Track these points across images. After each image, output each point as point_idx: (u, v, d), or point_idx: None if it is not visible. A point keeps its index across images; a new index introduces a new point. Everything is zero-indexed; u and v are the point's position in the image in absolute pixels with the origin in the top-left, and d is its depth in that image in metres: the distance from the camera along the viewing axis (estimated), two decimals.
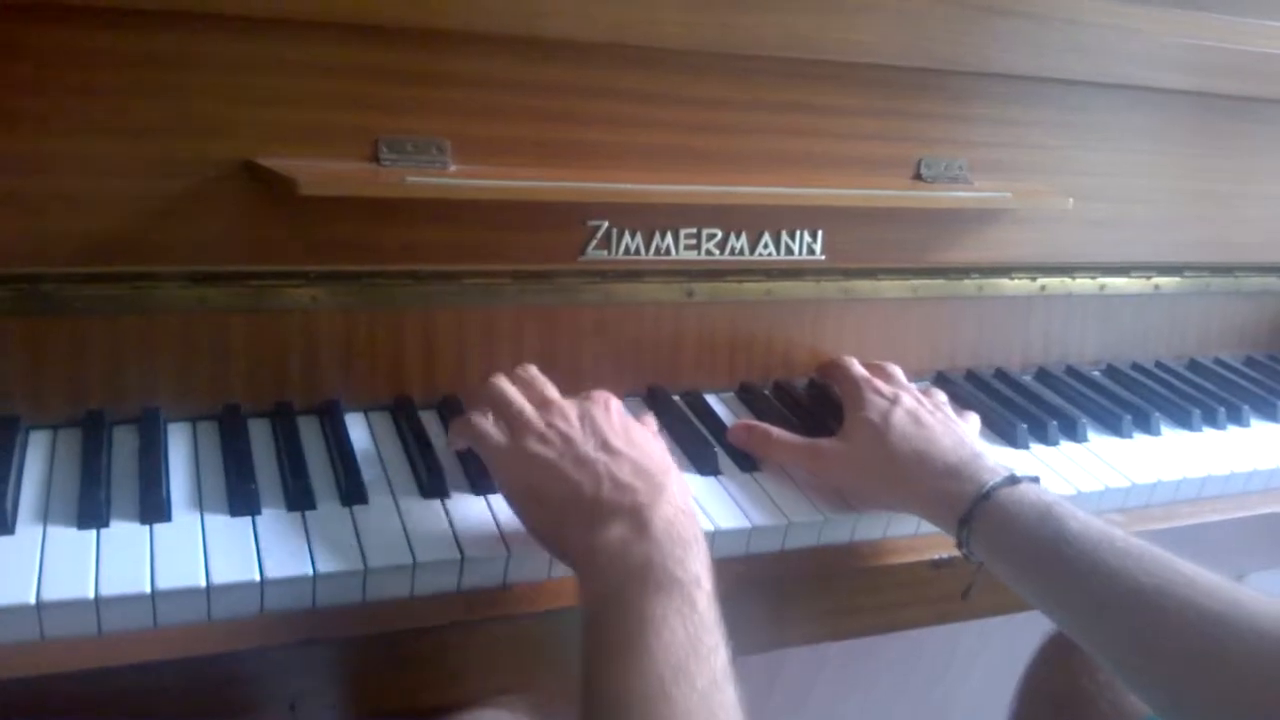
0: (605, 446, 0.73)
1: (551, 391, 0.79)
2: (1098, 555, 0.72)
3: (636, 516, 0.68)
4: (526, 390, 0.79)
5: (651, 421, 0.87)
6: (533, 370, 0.82)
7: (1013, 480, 0.80)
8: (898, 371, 0.98)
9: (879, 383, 0.94)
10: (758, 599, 0.84)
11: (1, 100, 0.74)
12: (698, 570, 0.66)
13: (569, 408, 0.76)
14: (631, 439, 0.75)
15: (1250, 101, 1.17)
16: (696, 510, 0.82)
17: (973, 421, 0.94)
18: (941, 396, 0.95)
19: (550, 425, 0.74)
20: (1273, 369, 1.30)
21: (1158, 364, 1.26)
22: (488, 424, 0.78)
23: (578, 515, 0.70)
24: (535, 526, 0.74)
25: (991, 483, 0.79)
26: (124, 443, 0.81)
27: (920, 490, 0.83)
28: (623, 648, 0.62)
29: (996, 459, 0.84)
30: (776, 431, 0.91)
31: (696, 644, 0.62)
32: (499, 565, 0.76)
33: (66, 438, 0.81)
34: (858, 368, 0.98)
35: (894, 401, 0.90)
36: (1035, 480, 0.81)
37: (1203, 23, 1.08)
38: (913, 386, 0.95)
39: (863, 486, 0.87)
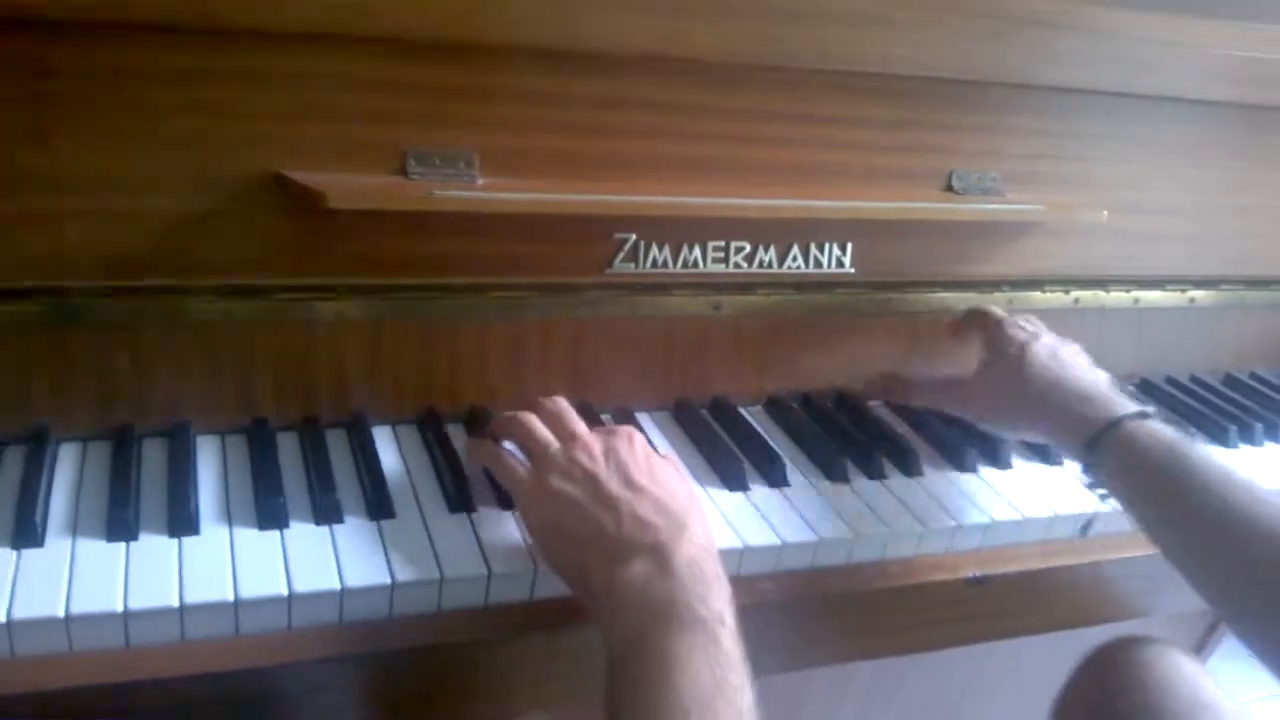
0: (629, 484, 0.73)
1: (577, 425, 0.79)
2: (1219, 484, 0.76)
3: (659, 554, 0.68)
4: (553, 423, 0.79)
5: (675, 459, 0.87)
6: (561, 403, 0.81)
7: (1144, 415, 0.84)
8: (1036, 320, 1.01)
9: (1019, 319, 0.99)
10: (787, 617, 0.83)
11: (33, 117, 0.74)
12: (720, 608, 0.66)
13: (593, 443, 0.76)
14: (655, 476, 0.74)
15: None
16: (726, 527, 0.82)
17: (1102, 375, 0.95)
18: (1077, 346, 0.97)
19: (574, 461, 0.74)
20: None
21: (1193, 378, 1.25)
22: (512, 460, 0.78)
23: (600, 553, 0.69)
24: (557, 563, 0.74)
25: (1124, 412, 0.84)
26: (153, 455, 0.82)
27: (1054, 413, 0.88)
28: (647, 686, 0.62)
29: (1125, 396, 0.88)
30: (906, 374, 1.02)
31: (722, 683, 0.62)
32: (526, 580, 0.76)
33: (96, 450, 0.82)
34: (995, 310, 1.04)
35: (1034, 336, 0.95)
36: (1162, 418, 0.84)
37: (1242, 33, 1.06)
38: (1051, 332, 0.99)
39: (998, 410, 0.94)
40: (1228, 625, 0.76)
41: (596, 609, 0.69)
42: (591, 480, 0.73)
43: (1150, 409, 0.85)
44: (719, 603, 0.66)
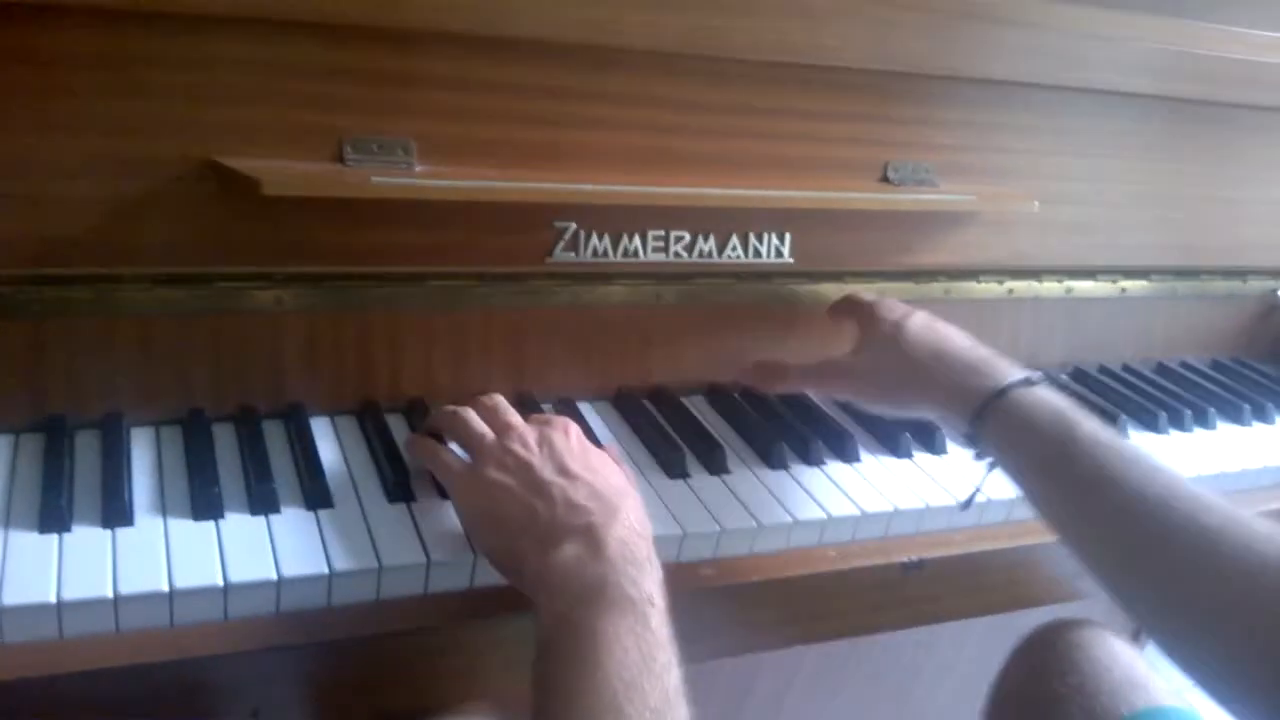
0: (562, 471, 0.73)
1: (513, 417, 0.80)
2: (1106, 460, 0.74)
3: (591, 537, 0.69)
4: (489, 417, 0.80)
5: (614, 449, 0.87)
6: (497, 398, 0.82)
7: (1029, 382, 0.82)
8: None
9: (891, 300, 0.98)
10: (728, 603, 0.83)
11: None
12: (650, 589, 0.66)
13: (528, 433, 0.77)
14: (589, 463, 0.75)
15: (1216, 106, 1.18)
16: (666, 514, 0.83)
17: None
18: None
19: (508, 451, 0.75)
20: (1238, 372, 1.31)
21: (1125, 367, 1.27)
22: (446, 452, 0.79)
23: (533, 537, 0.70)
24: (491, 550, 0.74)
25: (1008, 380, 0.82)
26: (86, 447, 0.80)
27: (937, 387, 0.86)
28: (576, 665, 0.62)
29: (1010, 363, 0.86)
30: (786, 362, 0.96)
31: (650, 661, 0.62)
32: (465, 569, 0.76)
33: (28, 442, 0.80)
34: (868, 295, 1.01)
35: (908, 313, 0.93)
36: (1049, 385, 0.83)
37: (1169, 28, 1.09)
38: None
39: (879, 389, 0.91)
40: (1112, 596, 0.75)
41: (530, 593, 0.69)
42: (525, 468, 0.74)
43: (1036, 376, 0.83)
44: (649, 584, 0.67)
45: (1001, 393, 0.81)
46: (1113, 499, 0.72)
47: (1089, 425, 0.77)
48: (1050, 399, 0.80)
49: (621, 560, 0.67)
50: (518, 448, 0.75)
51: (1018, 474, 0.80)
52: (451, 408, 0.82)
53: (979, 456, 0.84)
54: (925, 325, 0.91)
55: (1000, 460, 0.82)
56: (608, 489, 0.73)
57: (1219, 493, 1.01)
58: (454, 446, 0.81)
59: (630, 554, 0.68)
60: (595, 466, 0.75)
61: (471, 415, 0.80)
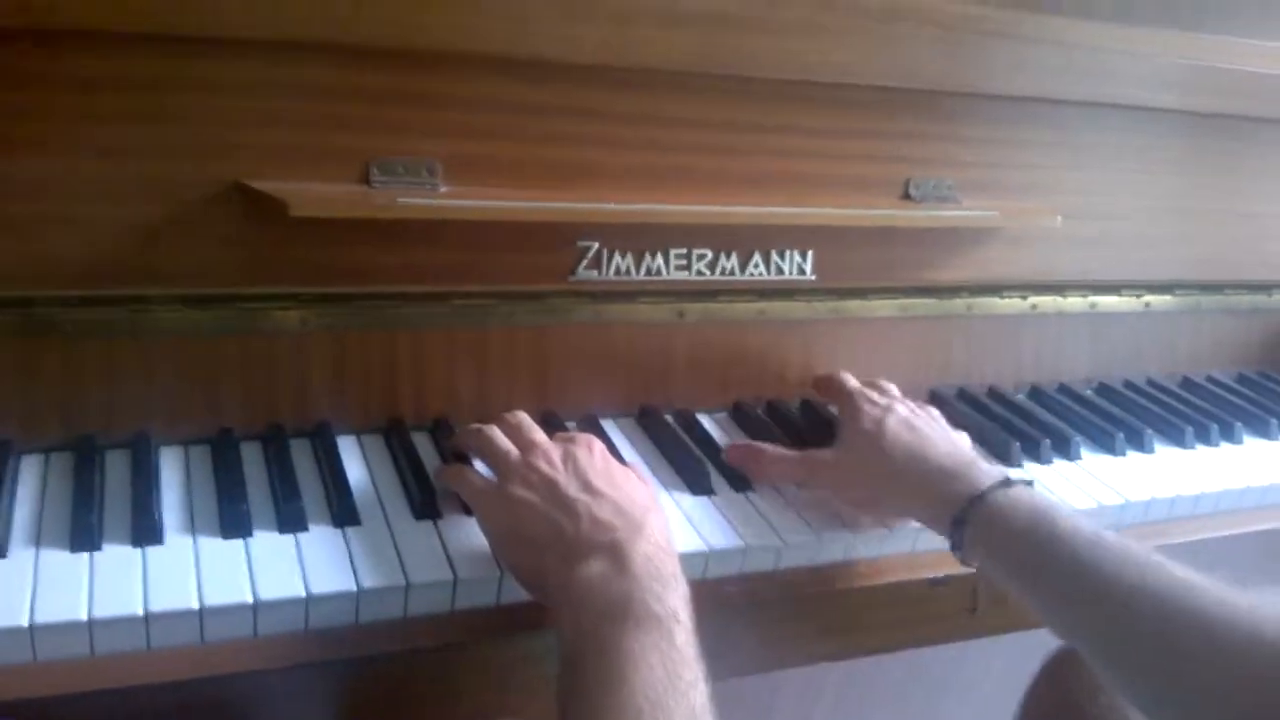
0: (587, 487, 0.74)
1: (537, 435, 0.80)
2: (1088, 552, 0.74)
3: (616, 553, 0.69)
4: (513, 434, 0.80)
5: (638, 466, 0.87)
6: (521, 415, 0.83)
7: (1007, 483, 0.81)
8: (891, 386, 0.98)
9: (873, 394, 0.95)
10: (753, 619, 0.83)
11: None
12: (675, 605, 0.66)
13: (552, 450, 0.77)
14: (613, 480, 0.76)
15: (1239, 120, 1.18)
16: (690, 530, 0.83)
17: (963, 437, 0.93)
18: (935, 411, 0.95)
19: (533, 468, 0.76)
20: (1265, 386, 1.30)
21: (1150, 381, 1.27)
22: (472, 471, 0.80)
23: (558, 554, 0.70)
24: (516, 567, 0.74)
25: (987, 484, 0.80)
26: (116, 466, 0.81)
27: (915, 492, 0.84)
28: (601, 682, 0.62)
29: (991, 465, 0.85)
30: (770, 448, 0.91)
31: (675, 679, 0.62)
32: (492, 586, 0.76)
33: (58, 461, 0.81)
34: (851, 381, 0.98)
35: (887, 410, 0.91)
36: (1029, 484, 0.82)
37: (1191, 43, 1.09)
38: (902, 397, 0.95)
39: (858, 493, 0.88)
40: (1115, 686, 0.76)
41: (555, 610, 0.69)
42: (550, 485, 0.74)
43: (1012, 475, 0.82)
44: (675, 600, 0.67)
45: (979, 498, 0.80)
46: (1101, 593, 0.72)
47: (1068, 521, 0.76)
48: (1028, 498, 0.79)
49: (647, 576, 0.67)
50: (542, 465, 0.76)
51: (1003, 577, 0.79)
52: (476, 426, 0.83)
53: (964, 562, 0.82)
54: (905, 426, 0.89)
55: (985, 565, 0.80)
56: (632, 505, 0.73)
57: (1249, 510, 1.03)
58: (480, 465, 0.81)
59: (655, 570, 0.68)
60: (619, 482, 0.76)
61: (496, 433, 0.81)
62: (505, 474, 0.77)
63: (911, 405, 0.93)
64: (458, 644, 0.74)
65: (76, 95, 0.75)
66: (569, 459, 0.77)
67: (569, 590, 0.68)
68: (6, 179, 0.75)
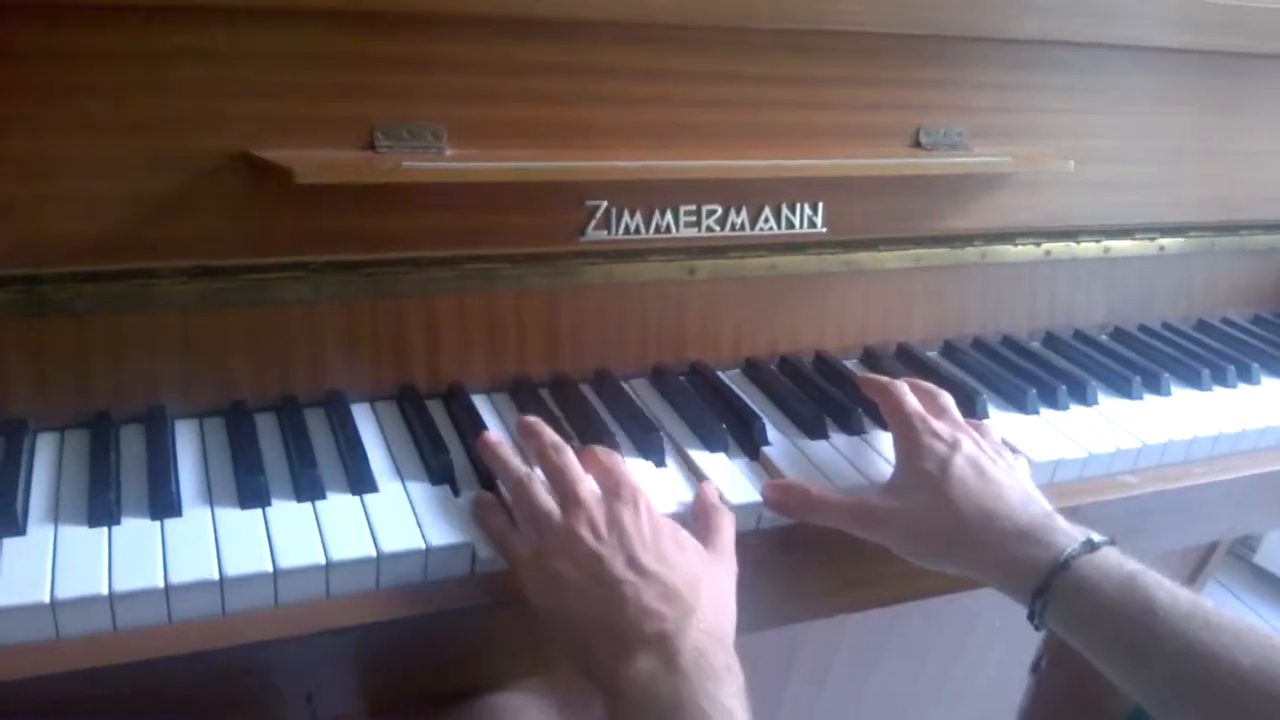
0: (633, 563, 0.69)
1: (582, 487, 0.74)
2: (1190, 631, 0.69)
3: (664, 647, 0.65)
4: (557, 480, 0.75)
5: (710, 489, 0.82)
6: (566, 455, 0.77)
7: (1091, 546, 0.75)
8: (949, 402, 0.89)
9: (936, 423, 0.85)
10: (773, 574, 0.83)
11: None
12: (731, 705, 0.63)
13: (596, 512, 0.72)
14: (661, 551, 0.71)
15: (1250, 58, 1.16)
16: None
17: (1023, 465, 0.88)
18: (997, 436, 0.89)
19: (576, 539, 0.71)
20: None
21: (1165, 325, 1.26)
22: (511, 531, 0.75)
23: (603, 643, 0.67)
24: (560, 647, 0.71)
25: (1069, 549, 0.74)
26: (131, 440, 0.81)
27: (988, 554, 0.77)
28: None
29: (1066, 521, 0.78)
30: (816, 490, 0.83)
31: None
32: None
33: (74, 438, 0.81)
34: (910, 401, 0.88)
35: (953, 447, 0.82)
36: (1112, 543, 0.76)
37: None
38: (965, 424, 0.87)
39: (921, 549, 0.80)
40: None
41: (601, 694, 0.67)
42: (594, 561, 0.69)
43: (1097, 537, 0.75)
44: (728, 697, 0.63)
45: (1064, 565, 0.73)
46: (1207, 674, 0.67)
47: (1166, 593, 0.71)
48: (1119, 565, 0.73)
49: (698, 674, 0.64)
50: (586, 534, 0.71)
51: (1091, 649, 0.73)
52: (515, 468, 0.77)
53: (1038, 628, 0.76)
54: (974, 470, 0.80)
55: (1069, 635, 0.74)
56: (681, 584, 0.69)
57: (1268, 450, 1.02)
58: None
59: (707, 665, 0.64)
60: (667, 553, 0.71)
61: (537, 487, 0.75)
62: (545, 541, 0.72)
63: (974, 435, 0.85)
64: (479, 608, 0.74)
65: (75, 70, 0.74)
66: (614, 525, 0.71)
67: (616, 686, 0.65)
68: (6, 158, 0.75)
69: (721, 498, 0.81)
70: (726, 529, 0.77)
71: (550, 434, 0.79)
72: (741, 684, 0.65)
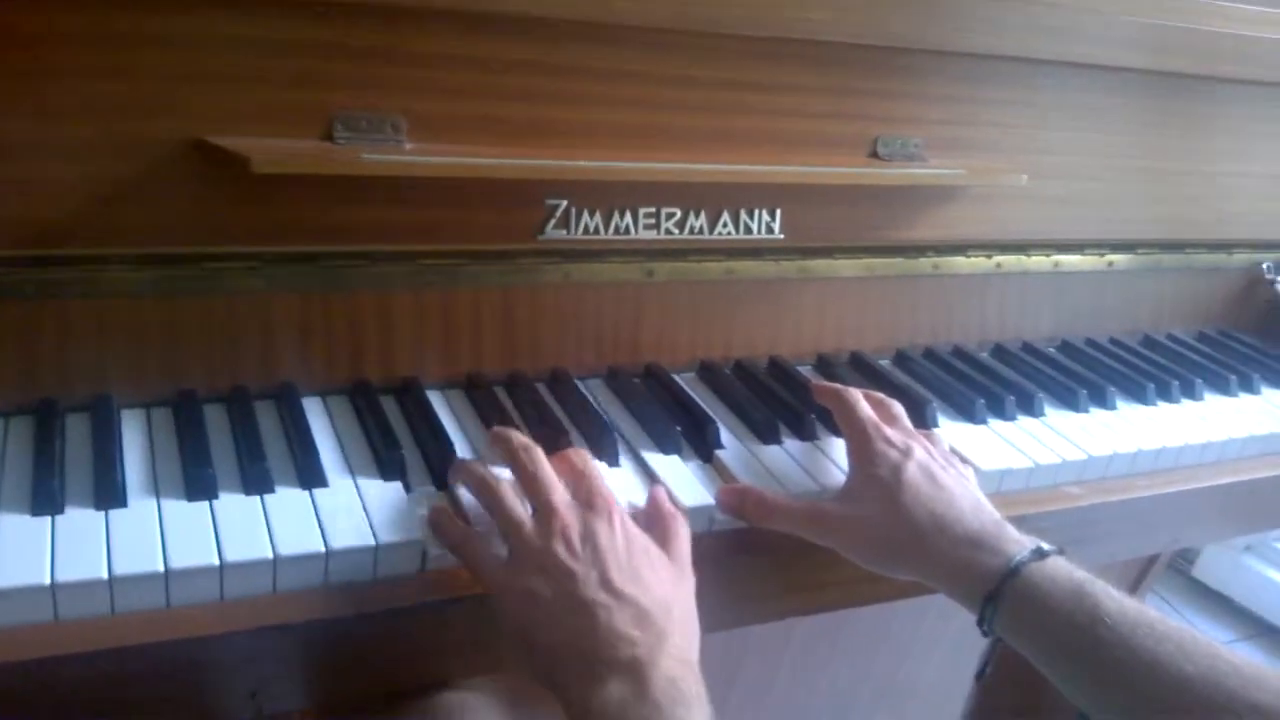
0: (605, 583, 0.68)
1: (555, 494, 0.72)
2: (1136, 639, 0.70)
3: (636, 673, 0.65)
4: (530, 486, 0.73)
5: (660, 493, 0.80)
6: (539, 458, 0.75)
7: (1040, 554, 0.76)
8: (901, 411, 0.90)
9: (889, 430, 0.86)
10: (722, 577, 0.83)
11: None
12: None
13: (571, 525, 0.70)
14: (634, 569, 0.70)
15: (1204, 81, 1.19)
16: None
17: (971, 474, 0.88)
18: (946, 445, 0.89)
19: (549, 553, 0.69)
20: (1224, 344, 1.32)
21: (1112, 340, 1.28)
22: (481, 543, 0.73)
23: (574, 666, 0.66)
24: (528, 667, 0.69)
25: (1019, 556, 0.75)
26: (77, 429, 0.80)
27: (939, 560, 0.78)
28: None
29: (1016, 529, 0.79)
30: (771, 495, 0.84)
31: None
32: None
33: (18, 425, 0.80)
34: (864, 409, 0.88)
35: (905, 454, 0.83)
36: (1061, 552, 0.77)
37: (1157, 2, 1.09)
38: (917, 433, 0.88)
39: (873, 554, 0.81)
40: None
41: (569, 717, 0.66)
42: (567, 578, 0.68)
43: (1047, 546, 0.77)
44: None
45: (1013, 572, 0.74)
46: (1151, 683, 0.68)
47: (1114, 602, 0.72)
48: (1066, 574, 0.74)
49: (670, 702, 0.63)
50: (559, 550, 0.69)
51: (1038, 656, 0.75)
52: (483, 474, 0.75)
53: (987, 634, 0.77)
54: (926, 478, 0.81)
55: (1017, 642, 0.75)
56: (654, 607, 0.68)
57: (1209, 465, 1.04)
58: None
59: (678, 693, 0.64)
60: (641, 571, 0.70)
61: (507, 494, 0.73)
62: (518, 552, 0.70)
63: (926, 445, 0.86)
64: (429, 604, 0.73)
65: (29, 52, 0.73)
66: (589, 539, 0.70)
67: (586, 712, 0.64)
68: None
69: (674, 500, 0.81)
70: (683, 537, 0.76)
71: (520, 436, 0.77)
72: (710, 713, 0.65)
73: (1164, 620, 0.71)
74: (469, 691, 0.80)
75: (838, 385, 0.93)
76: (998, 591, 0.75)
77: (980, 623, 0.76)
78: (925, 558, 0.79)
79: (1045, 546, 0.76)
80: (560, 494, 0.73)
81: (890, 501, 0.80)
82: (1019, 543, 0.77)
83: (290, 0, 0.78)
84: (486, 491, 0.74)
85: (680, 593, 0.72)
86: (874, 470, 0.82)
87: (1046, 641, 0.74)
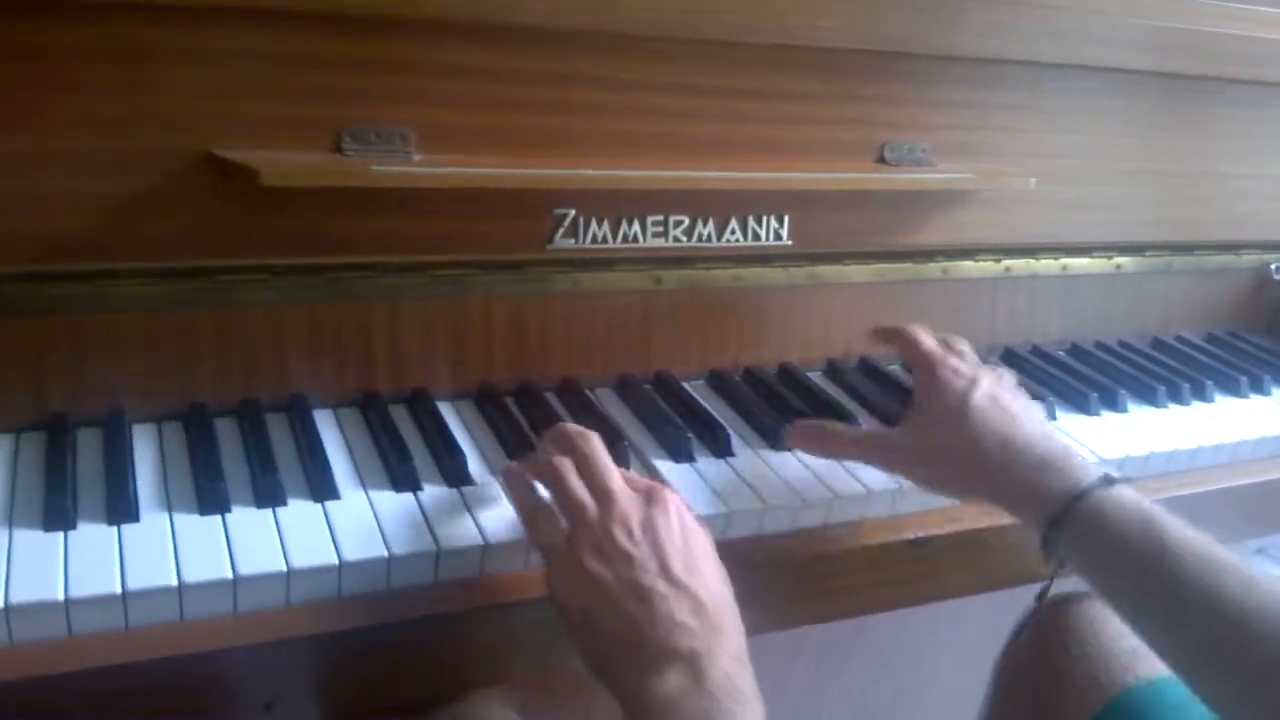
0: (665, 573, 0.67)
1: (614, 481, 0.72)
2: (1199, 568, 0.70)
3: (694, 665, 0.64)
4: (587, 471, 0.73)
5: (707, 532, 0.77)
6: (595, 445, 0.74)
7: (1109, 481, 0.75)
8: (966, 346, 0.91)
9: (954, 360, 0.87)
10: (736, 585, 0.83)
11: None
12: None
13: (630, 511, 0.70)
14: (692, 560, 0.69)
15: (1212, 82, 1.19)
16: None
17: (1038, 407, 0.88)
18: (1013, 379, 0.89)
19: (609, 535, 0.68)
20: (1234, 346, 1.31)
21: (1121, 343, 1.28)
22: (548, 518, 0.73)
23: (631, 654, 0.65)
24: (582, 652, 0.69)
25: (1086, 482, 0.75)
26: (89, 444, 0.80)
27: (1006, 482, 0.78)
28: None
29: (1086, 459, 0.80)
30: (832, 424, 0.86)
31: None
32: (475, 556, 0.75)
33: (29, 441, 0.80)
34: (927, 339, 0.90)
35: (973, 382, 0.83)
36: (1129, 482, 0.77)
37: (1163, 4, 1.09)
38: (982, 365, 0.89)
39: (940, 477, 0.82)
40: (1193, 687, 0.71)
41: (620, 703, 0.66)
42: (627, 564, 0.67)
43: (1114, 474, 0.76)
44: None
45: (1080, 496, 0.74)
46: (1213, 610, 0.68)
47: (1178, 531, 0.72)
48: (1134, 502, 0.74)
49: (726, 697, 0.63)
50: (620, 535, 0.68)
51: (1100, 581, 0.75)
52: (546, 456, 0.75)
53: (1050, 560, 0.77)
54: (992, 403, 0.81)
55: (1079, 564, 0.76)
56: (711, 601, 0.68)
57: (1221, 467, 1.04)
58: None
59: (734, 688, 0.64)
60: (698, 562, 0.70)
61: (570, 474, 0.72)
62: (578, 533, 0.70)
63: (994, 372, 0.86)
64: (443, 616, 0.73)
65: (40, 66, 0.74)
66: (647, 528, 0.69)
67: (643, 702, 0.63)
68: None
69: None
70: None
71: (574, 426, 0.77)
72: (764, 712, 0.64)
73: (1229, 555, 0.71)
74: (483, 701, 0.80)
75: (898, 325, 0.94)
76: (1063, 515, 0.75)
77: (1044, 546, 0.76)
78: (991, 481, 0.79)
79: (1113, 474, 0.76)
80: (619, 483, 0.72)
81: (958, 425, 0.80)
82: (1086, 468, 0.77)
83: (299, 14, 0.78)
84: (549, 473, 0.73)
85: (730, 592, 0.71)
86: (941, 397, 0.83)
87: (1110, 567, 0.74)
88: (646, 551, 0.68)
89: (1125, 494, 0.75)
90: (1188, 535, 0.72)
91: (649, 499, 0.72)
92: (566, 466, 0.73)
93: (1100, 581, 0.76)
